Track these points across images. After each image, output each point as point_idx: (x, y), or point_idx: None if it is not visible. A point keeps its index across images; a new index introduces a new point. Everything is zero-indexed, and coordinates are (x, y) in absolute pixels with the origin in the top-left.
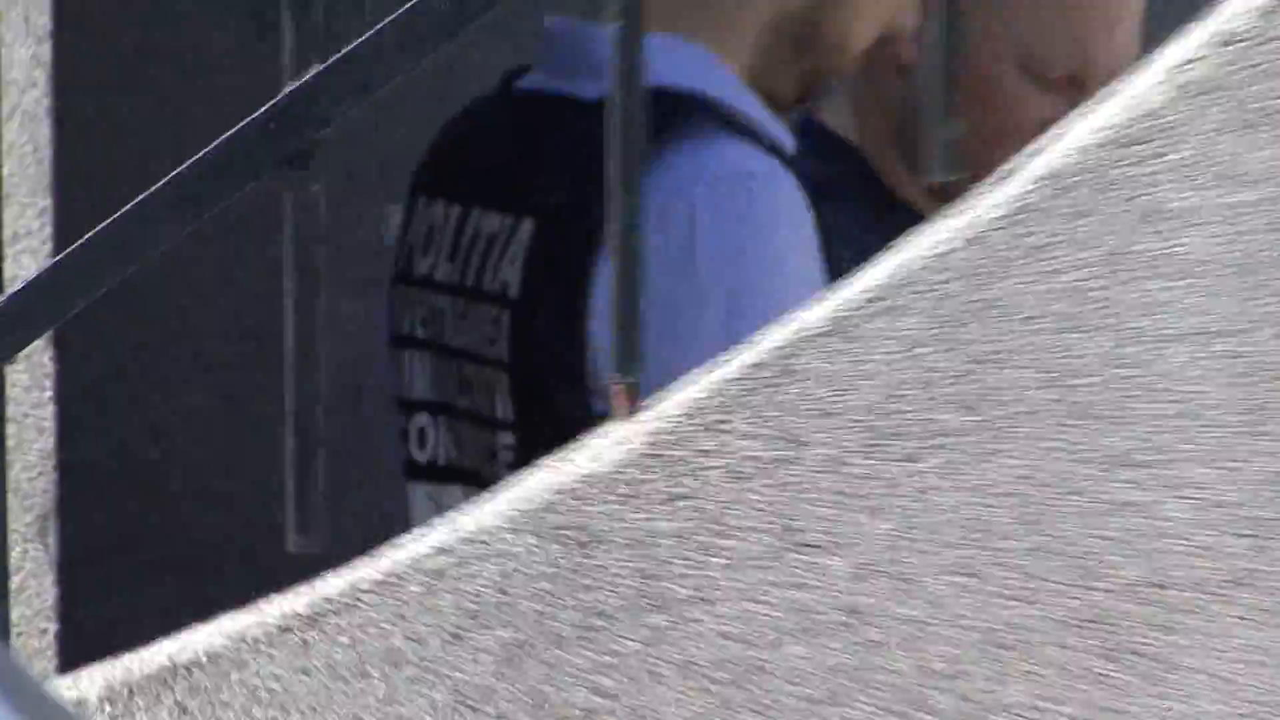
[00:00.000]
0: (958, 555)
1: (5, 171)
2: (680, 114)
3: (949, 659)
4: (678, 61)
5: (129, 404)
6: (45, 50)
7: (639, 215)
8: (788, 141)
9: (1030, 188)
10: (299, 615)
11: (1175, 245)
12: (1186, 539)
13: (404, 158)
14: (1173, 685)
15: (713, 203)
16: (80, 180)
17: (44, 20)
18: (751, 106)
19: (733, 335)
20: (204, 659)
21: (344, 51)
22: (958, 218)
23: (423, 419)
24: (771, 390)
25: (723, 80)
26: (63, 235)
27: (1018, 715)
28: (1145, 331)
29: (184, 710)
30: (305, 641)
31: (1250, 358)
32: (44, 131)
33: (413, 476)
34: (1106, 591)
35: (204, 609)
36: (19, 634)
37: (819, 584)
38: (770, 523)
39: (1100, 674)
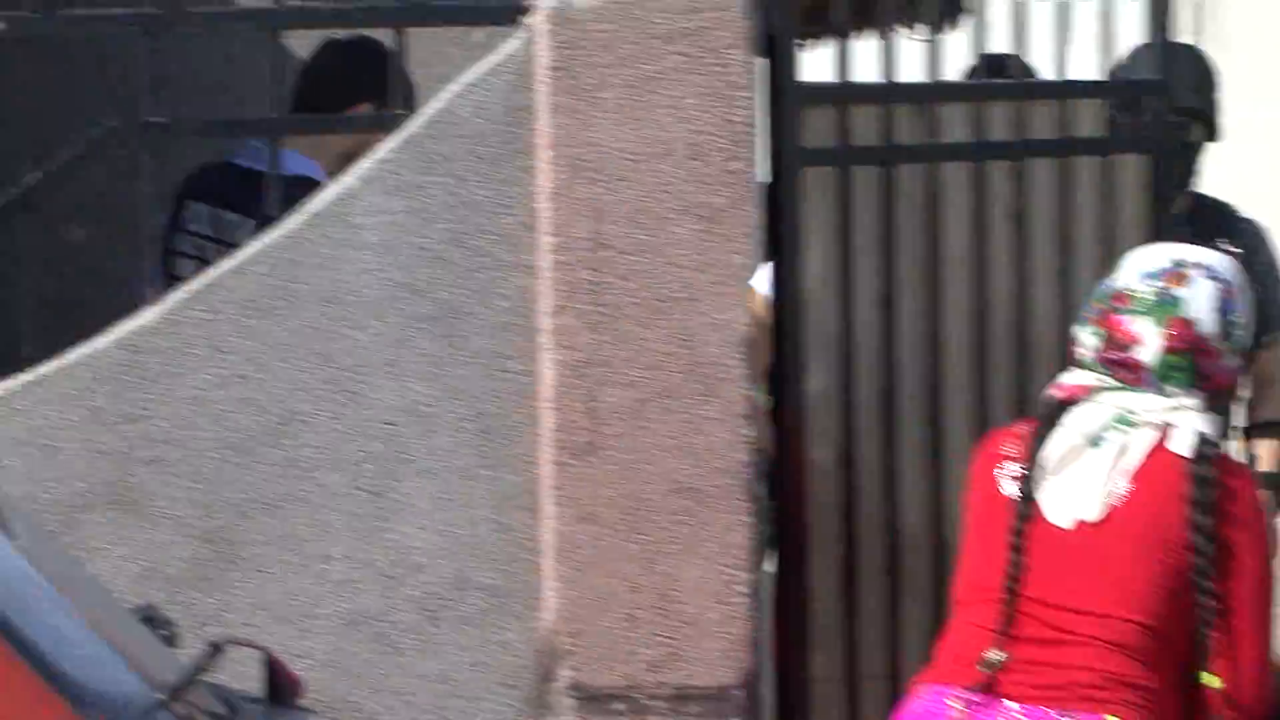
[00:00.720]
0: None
1: None
2: (311, 186)
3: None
4: (308, 165)
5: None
6: None
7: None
8: None
9: (267, 244)
10: (67, 364)
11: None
12: (376, 403)
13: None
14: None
15: None
16: None
17: None
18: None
19: None
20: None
21: None
22: (230, 262)
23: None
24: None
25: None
26: None
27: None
28: (346, 303)
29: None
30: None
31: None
32: None
33: None
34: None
35: None
36: None
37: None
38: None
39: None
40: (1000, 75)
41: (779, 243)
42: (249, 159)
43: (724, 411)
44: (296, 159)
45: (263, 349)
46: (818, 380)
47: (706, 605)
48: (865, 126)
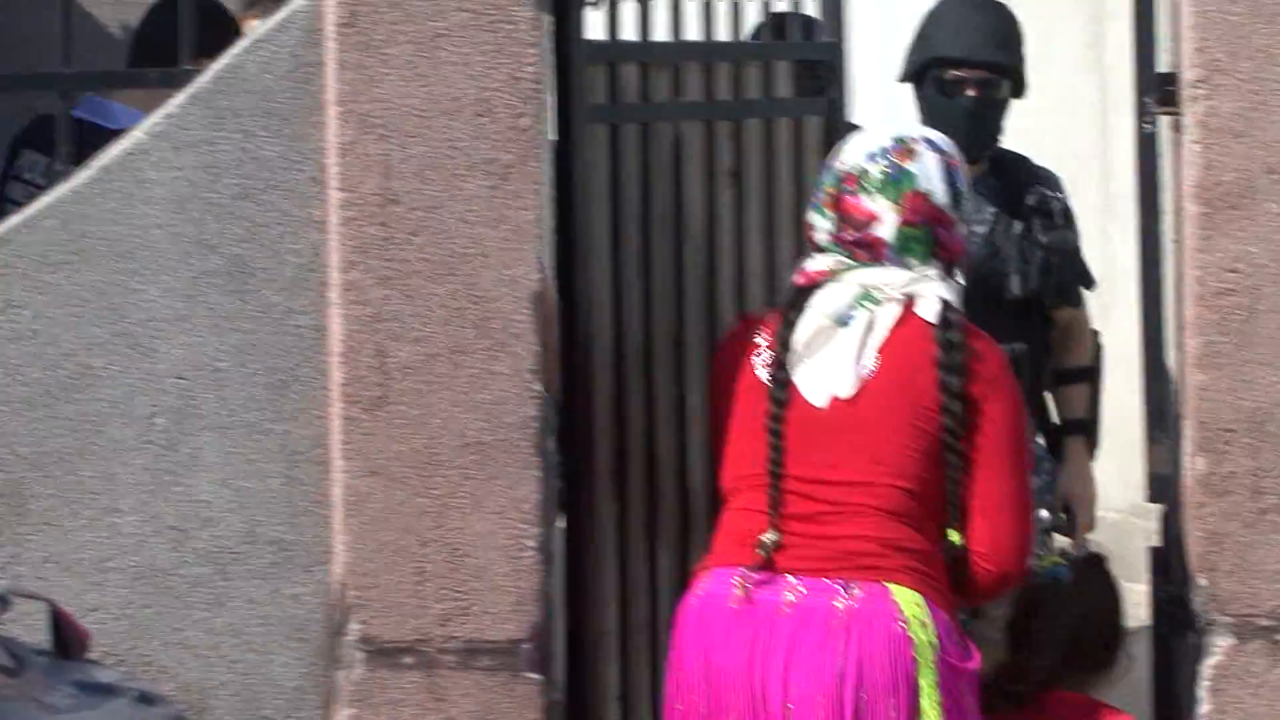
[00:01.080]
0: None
1: None
2: None
3: (23, 403)
4: (134, 116)
5: None
6: None
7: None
8: None
9: (58, 197)
10: None
11: (137, 228)
12: (167, 358)
13: None
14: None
15: None
16: None
17: None
18: None
19: None
20: None
21: None
22: (20, 216)
23: None
24: None
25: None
26: None
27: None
28: (134, 254)
29: None
30: None
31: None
32: None
33: None
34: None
35: None
36: None
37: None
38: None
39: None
40: (779, 35)
41: (567, 200)
42: (86, 111)
43: (513, 367)
44: (127, 113)
45: (54, 303)
46: (598, 340)
47: (495, 559)
48: (630, 85)
